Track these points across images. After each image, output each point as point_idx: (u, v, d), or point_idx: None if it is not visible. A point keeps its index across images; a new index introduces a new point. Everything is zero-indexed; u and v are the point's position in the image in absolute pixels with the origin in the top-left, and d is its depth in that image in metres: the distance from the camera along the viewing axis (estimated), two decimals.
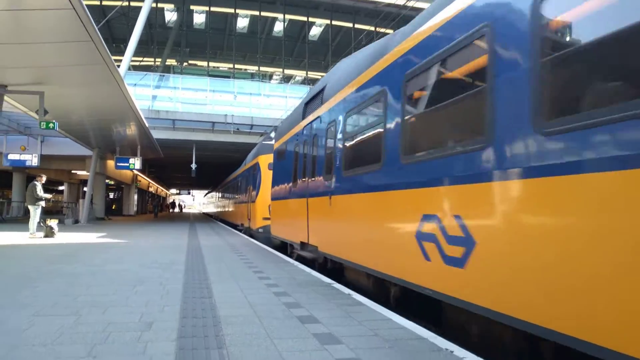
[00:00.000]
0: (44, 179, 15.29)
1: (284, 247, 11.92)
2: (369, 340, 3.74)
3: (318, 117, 8.39)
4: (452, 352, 3.45)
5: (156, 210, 44.18)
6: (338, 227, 7.06)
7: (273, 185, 12.65)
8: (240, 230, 20.92)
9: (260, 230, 16.16)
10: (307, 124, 9.13)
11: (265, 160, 16.67)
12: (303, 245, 9.18)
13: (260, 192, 16.76)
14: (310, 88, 10.34)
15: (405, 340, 3.74)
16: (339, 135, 7.05)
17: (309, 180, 8.67)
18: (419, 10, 23.03)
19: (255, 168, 17.92)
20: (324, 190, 7.59)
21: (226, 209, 32.64)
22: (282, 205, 11.21)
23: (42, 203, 14.79)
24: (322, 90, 8.53)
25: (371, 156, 5.80)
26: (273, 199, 12.59)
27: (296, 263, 8.91)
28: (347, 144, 6.78)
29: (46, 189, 15.88)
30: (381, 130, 5.53)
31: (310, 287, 6.17)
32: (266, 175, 16.06)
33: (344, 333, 3.92)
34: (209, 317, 4.42)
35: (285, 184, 10.88)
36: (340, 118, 7.06)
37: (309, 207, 8.53)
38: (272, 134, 19.94)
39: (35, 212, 14.43)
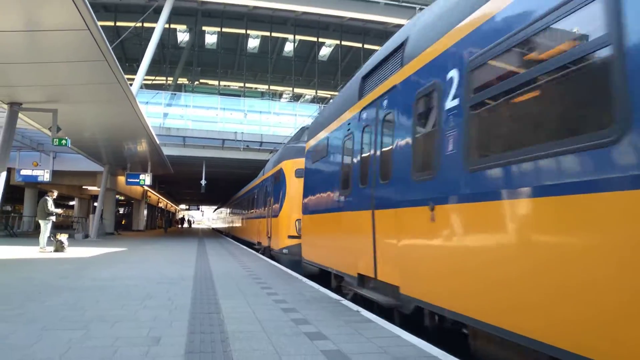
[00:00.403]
0: (55, 194, 15.49)
1: (322, 277, 8.96)
2: (378, 357, 3.70)
3: (394, 87, 5.60)
4: None
5: (166, 226, 44.73)
6: (461, 259, 3.97)
7: (306, 195, 9.92)
8: (257, 250, 18.20)
9: (284, 251, 13.50)
10: (371, 103, 6.34)
11: (292, 166, 14.13)
12: (363, 279, 6.42)
13: (285, 204, 14.06)
14: (370, 58, 7.41)
15: (415, 359, 3.68)
16: (453, 102, 4.19)
17: (377, 183, 5.88)
18: None
19: (278, 176, 15.14)
20: (416, 196, 4.83)
21: (239, 225, 28.90)
22: (322, 221, 8.51)
23: (53, 218, 14.94)
24: (400, 47, 5.66)
25: (575, 124, 3.02)
26: (306, 212, 9.85)
27: (304, 279, 8.83)
28: (481, 113, 3.91)
29: (57, 204, 16.04)
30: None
31: (318, 304, 6.13)
32: (293, 184, 13.68)
33: (352, 350, 3.87)
34: (216, 333, 4.40)
35: (327, 192, 8.13)
36: (454, 73, 4.22)
37: (378, 223, 5.81)
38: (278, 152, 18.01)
39: (45, 227, 14.56)
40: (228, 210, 40.70)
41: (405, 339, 4.30)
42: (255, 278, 9.02)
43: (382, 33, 31.40)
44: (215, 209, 74.79)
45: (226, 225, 41.90)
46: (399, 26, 28.04)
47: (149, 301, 6.08)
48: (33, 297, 6.16)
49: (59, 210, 16.28)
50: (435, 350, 3.92)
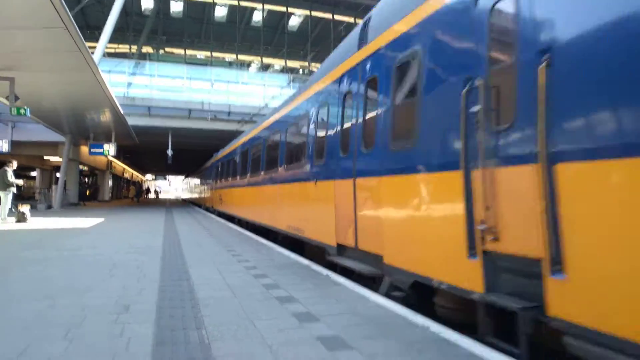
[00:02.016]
0: (14, 164, 14.96)
1: None
2: (347, 318, 3.80)
3: None
4: (428, 327, 3.53)
5: (138, 196, 44.70)
6: None
7: None
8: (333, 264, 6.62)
9: None
10: None
11: None
12: None
13: None
14: None
15: (383, 318, 3.80)
16: None
17: None
18: None
19: None
20: None
21: (246, 199, 14.59)
22: None
23: (14, 189, 14.50)
24: None
25: None
26: None
27: (274, 246, 8.90)
28: None
29: (17, 175, 15.55)
30: None
31: (288, 269, 6.20)
32: None
33: (322, 312, 3.96)
34: (187, 299, 4.41)
35: None
36: None
37: None
38: None
39: (6, 198, 14.14)
40: (213, 174, 25.19)
41: (372, 300, 4.42)
42: (225, 245, 9.02)
43: (352, 4, 31.12)
44: (187, 176, 60.65)
45: (208, 195, 28.25)
46: None
47: (117, 270, 6.02)
48: None
49: (20, 182, 15.46)
50: (402, 309, 4.04)
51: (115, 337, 3.27)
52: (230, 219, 17.74)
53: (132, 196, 47.42)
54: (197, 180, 39.04)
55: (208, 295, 4.58)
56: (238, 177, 16.38)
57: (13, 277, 5.47)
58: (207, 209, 27.11)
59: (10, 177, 14.23)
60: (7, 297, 4.44)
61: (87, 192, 32.94)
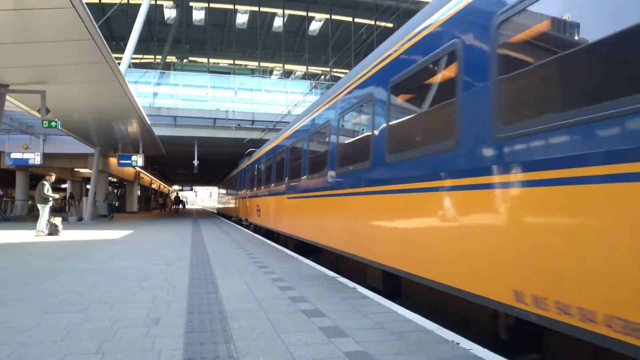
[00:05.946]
0: (53, 177, 15.48)
1: None
2: (375, 333, 3.77)
3: None
4: (458, 343, 3.48)
5: (177, 207, 45.93)
6: None
7: None
8: None
9: None
10: None
11: None
12: None
13: None
14: None
15: (412, 333, 3.76)
16: None
17: None
18: (420, 4, 23.06)
19: None
20: None
21: None
22: None
23: (51, 202, 14.95)
24: None
25: None
26: None
27: (300, 257, 8.92)
28: None
29: (54, 188, 15.98)
30: None
31: (315, 281, 6.20)
32: None
33: (350, 326, 3.94)
34: (215, 312, 4.45)
35: None
36: None
37: None
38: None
39: (43, 211, 14.55)
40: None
41: (401, 314, 4.38)
42: (251, 256, 9.08)
43: (372, 6, 31.08)
44: (228, 177, 36.26)
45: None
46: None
47: (147, 282, 6.12)
48: (31, 281, 6.18)
49: (57, 195, 15.58)
50: (430, 324, 4.00)
51: (146, 351, 3.31)
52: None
53: (170, 207, 49.69)
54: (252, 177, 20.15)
55: (236, 308, 4.61)
56: None
57: (47, 290, 5.60)
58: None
59: (47, 190, 14.66)
60: (42, 309, 4.55)
61: (116, 204, 32.73)
